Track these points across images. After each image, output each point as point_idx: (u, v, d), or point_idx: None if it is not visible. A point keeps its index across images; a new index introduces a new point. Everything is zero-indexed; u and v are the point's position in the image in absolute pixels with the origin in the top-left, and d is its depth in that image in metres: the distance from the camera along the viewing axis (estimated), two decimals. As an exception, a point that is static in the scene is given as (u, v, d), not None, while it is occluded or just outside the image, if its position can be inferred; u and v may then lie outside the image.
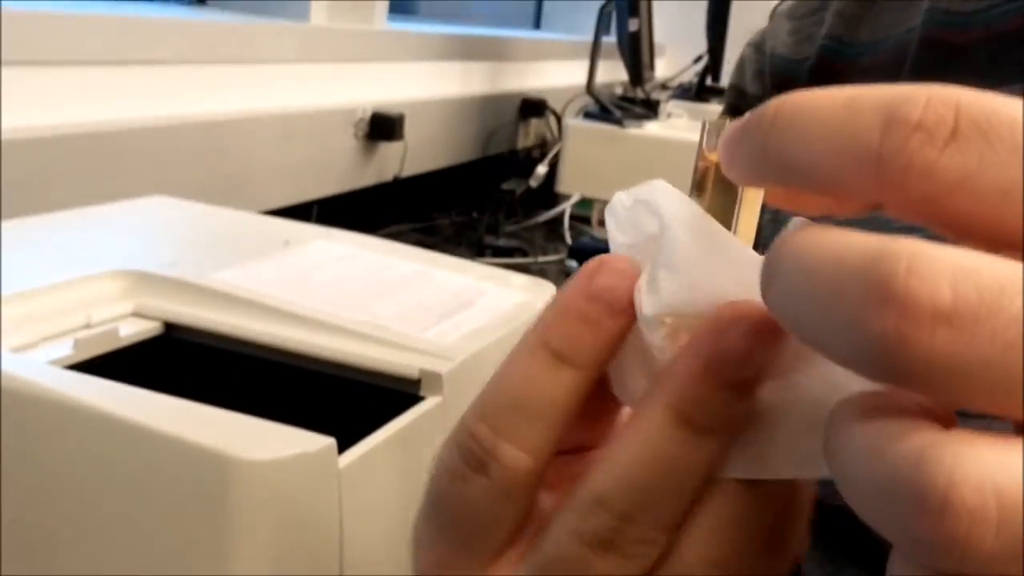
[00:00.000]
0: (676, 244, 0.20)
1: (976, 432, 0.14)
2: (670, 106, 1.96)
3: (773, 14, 0.49)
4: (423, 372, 0.51)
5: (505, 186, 1.70)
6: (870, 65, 0.40)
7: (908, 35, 0.38)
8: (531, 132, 1.98)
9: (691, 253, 0.20)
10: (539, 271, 1.42)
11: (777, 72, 0.46)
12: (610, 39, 1.88)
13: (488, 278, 0.66)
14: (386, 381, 0.52)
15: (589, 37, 1.80)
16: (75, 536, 0.42)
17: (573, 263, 1.44)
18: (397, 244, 0.72)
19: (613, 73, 2.07)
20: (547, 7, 2.72)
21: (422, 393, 0.51)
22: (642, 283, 0.21)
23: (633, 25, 1.80)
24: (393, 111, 1.39)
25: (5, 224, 0.63)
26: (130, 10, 1.12)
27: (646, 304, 0.21)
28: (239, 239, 0.69)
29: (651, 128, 1.77)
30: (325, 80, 1.32)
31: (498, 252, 1.48)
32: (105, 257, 0.59)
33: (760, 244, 0.21)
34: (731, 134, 0.19)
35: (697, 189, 0.21)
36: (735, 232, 0.21)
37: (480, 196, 1.68)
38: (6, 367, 0.43)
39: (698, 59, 2.32)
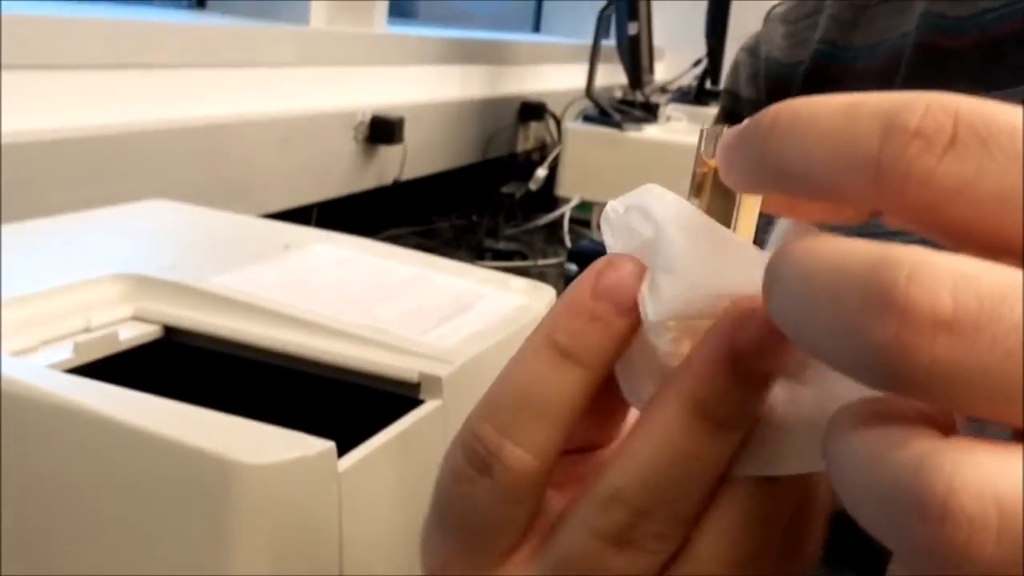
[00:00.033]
0: (672, 246, 0.20)
1: (976, 439, 0.14)
2: (669, 109, 1.96)
3: (767, 18, 0.49)
4: (423, 375, 0.51)
5: (504, 189, 1.70)
6: (865, 69, 0.40)
7: (903, 39, 0.38)
8: (530, 135, 1.98)
9: (687, 253, 0.20)
10: (539, 274, 1.42)
11: (771, 76, 0.46)
12: (609, 42, 1.88)
13: (488, 281, 0.66)
14: (386, 384, 0.52)
15: (588, 40, 1.81)
16: (75, 540, 0.42)
17: (573, 266, 1.44)
18: (397, 247, 0.72)
19: (612, 76, 2.07)
20: (546, 10, 2.73)
21: (422, 396, 0.51)
22: (644, 289, 0.21)
23: (632, 28, 1.81)
24: (393, 114, 1.39)
25: (5, 228, 0.63)
26: (130, 14, 1.12)
27: (650, 310, 0.20)
28: (239, 243, 0.69)
29: (650, 131, 1.77)
30: (325, 84, 1.32)
31: (498, 255, 1.48)
32: (105, 261, 0.59)
33: None
34: (729, 141, 0.19)
35: (695, 195, 0.21)
36: None
37: (480, 199, 1.68)
38: (6, 371, 0.43)
39: (697, 62, 2.33)
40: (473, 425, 0.22)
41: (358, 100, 1.37)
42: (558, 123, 1.93)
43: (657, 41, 2.04)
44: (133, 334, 0.54)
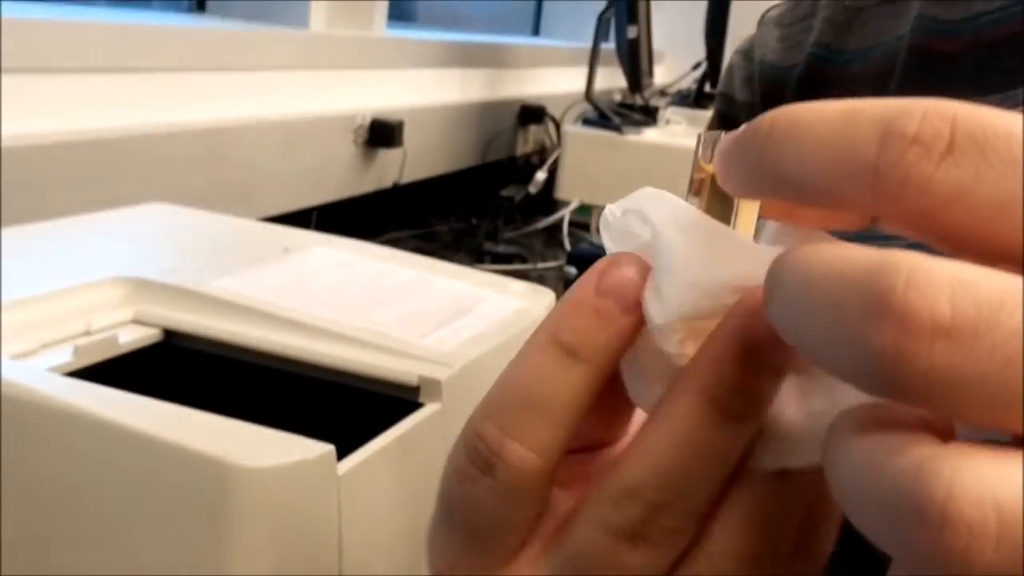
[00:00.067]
0: (671, 247, 0.20)
1: (975, 445, 0.14)
2: (669, 112, 1.96)
3: (761, 21, 0.49)
4: (422, 379, 0.51)
5: (504, 192, 1.70)
6: (859, 73, 0.40)
7: (897, 43, 0.38)
8: (530, 139, 1.98)
9: (687, 253, 0.20)
10: (538, 277, 1.42)
11: (766, 79, 0.46)
12: (609, 46, 1.88)
13: (487, 284, 0.66)
14: (385, 388, 0.52)
15: (588, 44, 1.81)
16: (75, 543, 0.42)
17: (572, 269, 1.44)
18: (396, 251, 0.72)
19: (612, 80, 2.07)
20: (546, 13, 2.73)
21: (421, 400, 0.51)
22: (647, 294, 0.21)
23: (632, 32, 1.81)
24: (392, 118, 1.39)
25: (5, 231, 0.63)
26: (130, 17, 1.12)
27: (655, 313, 0.20)
28: (238, 246, 0.69)
29: (650, 135, 1.78)
30: (324, 87, 1.32)
31: (497, 258, 1.48)
32: (105, 264, 0.59)
33: None
34: (726, 146, 0.19)
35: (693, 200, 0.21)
36: None
37: (479, 202, 1.68)
38: (6, 374, 0.43)
39: (697, 66, 2.33)
40: (475, 424, 0.22)
41: (358, 103, 1.37)
42: (557, 126, 1.93)
43: (656, 44, 2.04)
44: (133, 337, 0.54)
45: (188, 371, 0.54)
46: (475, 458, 0.22)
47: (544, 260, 1.52)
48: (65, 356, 0.49)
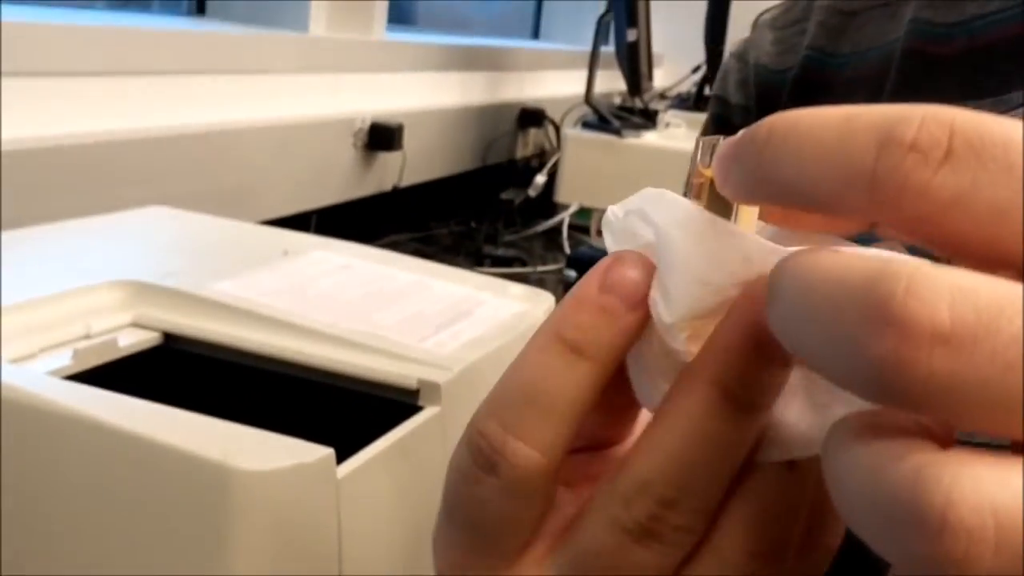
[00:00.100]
0: (674, 246, 0.20)
1: (974, 452, 0.14)
2: (668, 116, 1.96)
3: (756, 24, 0.49)
4: (421, 382, 0.51)
5: (504, 196, 1.70)
6: (854, 76, 0.40)
7: (891, 46, 0.38)
8: (530, 142, 1.98)
9: (692, 250, 0.20)
10: (538, 281, 1.42)
11: (761, 82, 0.46)
12: (608, 49, 1.89)
13: (486, 288, 0.66)
14: (384, 391, 0.52)
15: (587, 47, 1.81)
16: (74, 547, 0.42)
17: (572, 272, 1.44)
18: (396, 254, 0.72)
19: (611, 83, 2.07)
20: (546, 17, 2.73)
21: (420, 403, 0.51)
22: (655, 292, 0.21)
23: (631, 35, 1.81)
24: (392, 121, 1.39)
25: (5, 234, 0.63)
26: (129, 21, 1.12)
27: (663, 313, 0.20)
28: (238, 249, 0.69)
29: (649, 138, 1.78)
30: (324, 90, 1.32)
31: (496, 262, 1.48)
32: (104, 267, 0.59)
33: None
34: (725, 152, 0.19)
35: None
36: None
37: (479, 206, 1.68)
38: (5, 378, 0.43)
39: (696, 69, 2.33)
40: (479, 422, 0.22)
41: (357, 106, 1.37)
42: (557, 129, 1.93)
43: (656, 47, 2.05)
44: (132, 341, 0.54)
45: (187, 374, 0.54)
46: (478, 457, 0.22)
47: (544, 263, 1.52)
48: (65, 360, 0.49)
